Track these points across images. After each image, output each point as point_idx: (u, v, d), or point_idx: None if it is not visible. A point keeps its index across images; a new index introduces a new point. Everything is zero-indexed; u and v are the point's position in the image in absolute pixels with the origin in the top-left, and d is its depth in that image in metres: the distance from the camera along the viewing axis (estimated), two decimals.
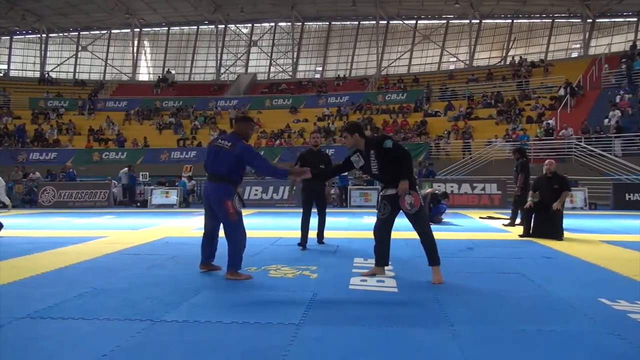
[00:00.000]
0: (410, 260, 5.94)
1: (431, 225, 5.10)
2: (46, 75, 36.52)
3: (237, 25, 37.84)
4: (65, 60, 38.93)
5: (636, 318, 3.49)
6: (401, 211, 4.74)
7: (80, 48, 38.96)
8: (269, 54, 38.13)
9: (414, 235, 7.67)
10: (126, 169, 19.44)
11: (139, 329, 3.27)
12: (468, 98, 26.84)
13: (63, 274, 5.16)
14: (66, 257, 6.16)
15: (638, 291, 4.28)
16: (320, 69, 37.58)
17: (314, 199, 7.19)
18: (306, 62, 38.16)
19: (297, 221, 7.17)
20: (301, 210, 7.22)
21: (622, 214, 13.35)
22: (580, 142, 19.72)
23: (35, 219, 12.70)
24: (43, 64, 37.57)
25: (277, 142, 24.90)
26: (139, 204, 17.59)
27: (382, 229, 4.84)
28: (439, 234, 8.52)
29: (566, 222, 8.16)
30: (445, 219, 10.87)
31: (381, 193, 4.95)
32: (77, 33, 38.81)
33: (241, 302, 4.00)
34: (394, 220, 4.89)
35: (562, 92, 24.44)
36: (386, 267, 5.35)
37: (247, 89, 34.13)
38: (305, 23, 37.11)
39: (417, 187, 4.77)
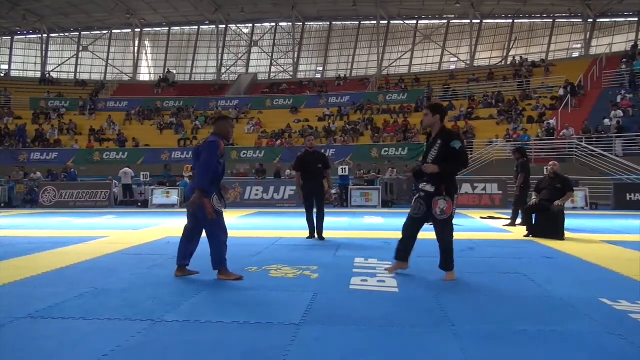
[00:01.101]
0: (411, 260, 5.93)
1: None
2: (47, 75, 36.53)
3: (238, 25, 37.85)
4: (66, 60, 38.97)
5: (637, 318, 3.49)
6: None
7: (81, 48, 38.99)
8: (270, 54, 38.15)
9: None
10: (126, 168, 19.43)
11: (139, 329, 3.27)
12: (469, 98, 26.83)
13: (64, 274, 5.17)
14: (67, 257, 6.16)
15: (639, 291, 4.28)
16: (321, 69, 37.59)
17: (313, 197, 7.78)
18: (307, 62, 38.17)
19: (298, 221, 7.23)
20: (301, 210, 7.45)
21: (623, 214, 13.34)
22: (581, 142, 19.70)
23: (36, 219, 12.71)
24: (44, 64, 37.60)
25: (278, 142, 24.91)
26: (139, 204, 17.60)
27: (412, 228, 4.86)
28: None
29: (567, 222, 8.16)
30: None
31: (420, 186, 4.84)
32: (78, 33, 38.84)
33: (242, 302, 4.00)
34: (424, 222, 4.86)
35: (562, 92, 24.44)
36: (387, 267, 5.36)
37: (247, 89, 34.15)
38: (306, 23, 37.12)
39: (455, 196, 4.75)
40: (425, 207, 4.71)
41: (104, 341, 3.03)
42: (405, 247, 4.91)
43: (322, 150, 23.08)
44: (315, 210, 7.85)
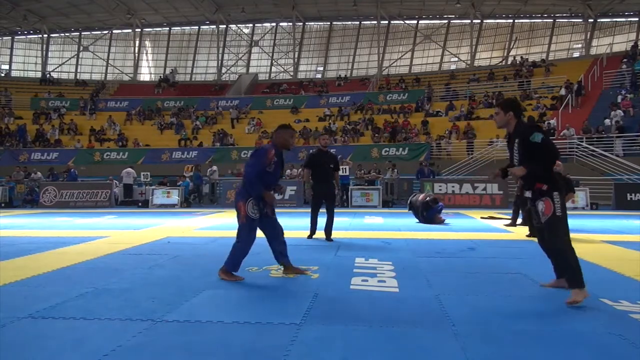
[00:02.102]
0: (411, 260, 5.94)
1: (435, 226, 5.05)
2: (47, 75, 36.58)
3: (238, 26, 37.87)
4: (67, 60, 39.01)
5: (638, 318, 3.49)
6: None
7: (81, 48, 39.03)
8: (270, 54, 38.15)
9: (415, 235, 7.62)
10: (129, 169, 19.43)
11: (140, 328, 3.28)
12: (469, 98, 26.83)
13: (64, 273, 5.17)
14: (67, 257, 6.17)
15: (639, 291, 4.28)
16: (322, 69, 37.60)
17: (323, 199, 7.72)
18: (307, 62, 38.17)
19: (298, 221, 7.22)
20: (301, 210, 7.40)
21: (623, 214, 13.33)
22: (582, 142, 19.70)
23: (36, 219, 12.71)
24: (44, 64, 37.64)
25: None
26: (140, 204, 17.61)
27: (549, 240, 4.03)
28: (440, 234, 8.54)
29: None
30: (446, 220, 10.86)
31: (525, 195, 4.28)
32: (78, 33, 38.88)
33: (242, 302, 4.00)
34: None
35: (563, 91, 24.43)
36: (387, 267, 5.35)
37: (248, 89, 34.16)
38: (307, 23, 37.14)
39: (554, 193, 3.94)
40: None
41: (104, 341, 3.03)
42: (577, 269, 3.89)
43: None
44: (324, 211, 7.75)
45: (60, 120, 28.95)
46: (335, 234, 7.97)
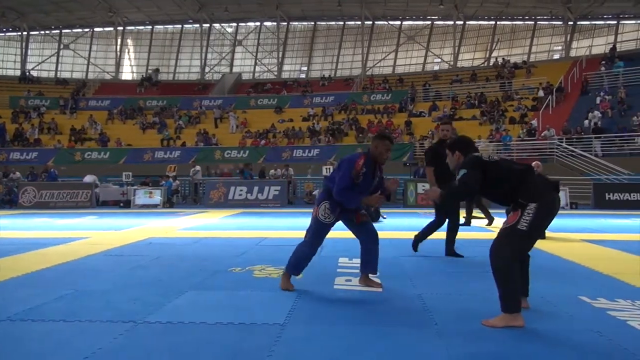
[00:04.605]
0: (394, 259, 5.97)
1: (419, 226, 5.07)
2: (27, 73, 35.95)
3: (222, 25, 37.65)
4: (47, 58, 38.36)
5: (615, 315, 3.56)
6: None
7: (62, 46, 38.42)
8: (254, 54, 38.02)
9: (399, 234, 7.68)
10: (93, 175, 19.01)
11: (121, 330, 3.24)
12: (452, 99, 27.07)
13: (44, 275, 5.09)
14: (47, 258, 6.07)
15: (617, 289, 4.37)
16: (306, 68, 37.57)
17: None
18: (291, 62, 38.11)
19: (282, 221, 7.16)
20: (285, 210, 7.20)
21: (602, 214, 13.57)
22: (562, 142, 20.01)
23: (15, 219, 12.49)
24: (24, 62, 36.98)
25: (262, 142, 24.84)
26: (122, 205, 17.40)
27: (491, 248, 3.56)
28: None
29: None
30: (430, 219, 10.92)
31: None
32: (58, 31, 38.26)
33: (226, 303, 3.98)
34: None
35: (541, 93, 24.83)
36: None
37: (231, 88, 33.99)
38: (291, 23, 37.08)
39: (534, 205, 3.35)
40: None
41: (84, 344, 2.99)
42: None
43: (306, 151, 23.41)
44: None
45: (40, 119, 28.46)
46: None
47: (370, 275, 4.54)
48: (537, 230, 3.45)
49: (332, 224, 4.39)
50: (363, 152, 4.36)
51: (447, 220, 6.23)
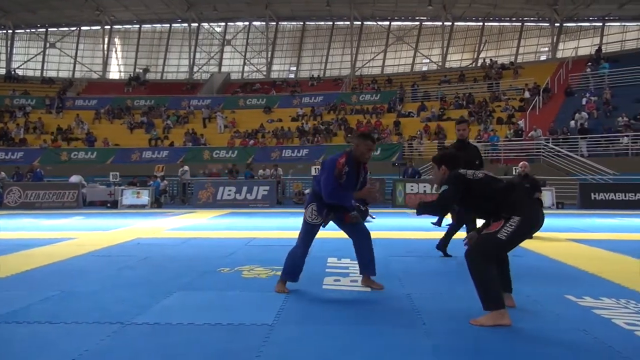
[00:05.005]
0: (383, 259, 5.98)
1: (408, 225, 5.08)
2: (12, 72, 35.49)
3: (211, 24, 37.48)
4: (33, 57, 37.92)
5: (600, 314, 3.60)
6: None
7: (48, 45, 37.99)
8: (243, 54, 37.90)
9: (387, 234, 7.71)
10: (78, 176, 18.79)
11: (109, 332, 3.21)
12: (440, 99, 27.21)
13: (29, 276, 5.03)
14: (33, 259, 6.00)
15: (602, 288, 4.42)
16: (295, 69, 37.54)
17: None
18: (280, 62, 38.06)
19: (271, 221, 7.14)
20: (275, 210, 7.18)
21: (588, 213, 13.73)
22: (549, 143, 20.21)
23: (0, 220, 12.32)
24: (9, 60, 36.53)
25: (251, 142, 24.77)
26: (109, 205, 17.25)
27: (468, 251, 3.66)
28: (412, 233, 8.63)
29: None
30: (419, 219, 10.98)
31: None
32: (44, 29, 37.82)
33: (214, 304, 3.96)
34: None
35: (527, 94, 25.07)
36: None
37: (220, 88, 33.85)
38: (280, 22, 37.02)
39: (518, 219, 3.42)
40: None
41: (70, 345, 2.96)
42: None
43: (295, 151, 23.39)
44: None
45: (25, 118, 28.12)
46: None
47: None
48: (516, 241, 3.52)
49: (321, 225, 4.40)
50: (345, 152, 4.34)
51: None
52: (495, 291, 3.43)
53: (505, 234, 3.40)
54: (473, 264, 3.48)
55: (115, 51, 38.78)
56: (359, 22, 35.50)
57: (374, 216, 11.62)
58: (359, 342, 3.04)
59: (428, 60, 35.58)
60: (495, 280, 3.47)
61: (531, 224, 3.49)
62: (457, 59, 35.17)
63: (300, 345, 2.99)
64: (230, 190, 17.41)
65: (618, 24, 31.74)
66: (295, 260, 4.38)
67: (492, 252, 3.50)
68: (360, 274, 4.60)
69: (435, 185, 3.79)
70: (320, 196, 4.29)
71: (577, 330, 3.25)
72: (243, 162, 21.83)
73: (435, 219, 9.74)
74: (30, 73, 36.84)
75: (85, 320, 3.44)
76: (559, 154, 19.58)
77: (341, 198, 4.25)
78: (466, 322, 3.42)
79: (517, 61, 31.81)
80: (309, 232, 4.38)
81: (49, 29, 37.83)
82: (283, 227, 9.53)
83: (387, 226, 10.00)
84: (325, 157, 21.96)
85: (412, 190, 16.53)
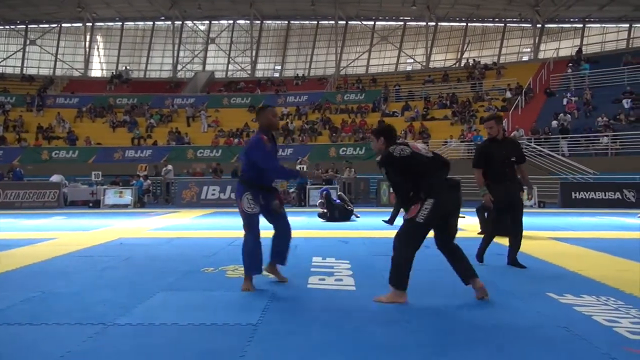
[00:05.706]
0: (368, 258, 6.01)
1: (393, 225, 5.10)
2: None
3: (195, 22, 37.21)
4: (12, 54, 37.22)
5: (581, 311, 3.66)
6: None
7: (28, 42, 37.33)
8: (227, 52, 37.69)
9: (372, 234, 7.76)
10: (60, 176, 18.49)
11: (90, 333, 3.17)
12: (424, 99, 27.39)
13: (9, 277, 4.94)
14: (13, 260, 5.90)
15: (583, 285, 4.49)
16: (279, 67, 37.46)
17: (507, 206, 5.68)
18: (265, 61, 37.94)
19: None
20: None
21: (568, 212, 13.93)
22: (531, 142, 20.48)
23: None
24: None
25: (236, 141, 24.65)
26: (91, 204, 17.04)
27: (396, 238, 4.01)
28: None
29: None
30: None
31: None
32: (24, 26, 37.16)
33: (198, 304, 3.94)
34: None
35: (508, 94, 25.37)
36: (344, 266, 5.40)
37: (204, 86, 33.63)
38: (264, 21, 36.90)
39: (431, 201, 3.82)
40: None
41: (52, 347, 2.92)
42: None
43: (280, 150, 23.35)
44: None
45: (5, 116, 27.62)
46: (292, 233, 7.92)
47: (277, 265, 4.69)
48: (433, 222, 3.85)
49: (260, 213, 4.48)
50: (258, 131, 4.51)
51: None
52: (404, 273, 3.85)
53: (423, 217, 3.79)
54: (395, 245, 3.90)
55: (98, 49, 38.29)
56: (344, 22, 35.55)
57: (358, 215, 11.67)
58: (342, 341, 3.05)
59: (412, 60, 35.78)
60: (409, 263, 3.87)
61: (444, 207, 3.84)
62: (441, 59, 35.43)
63: (285, 344, 2.99)
64: (214, 190, 17.32)
65: (598, 25, 32.27)
66: (250, 252, 4.41)
67: (413, 235, 3.87)
68: (270, 260, 4.66)
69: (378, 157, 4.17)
70: (251, 184, 4.41)
71: (559, 327, 3.30)
72: (227, 161, 21.71)
73: (387, 218, 9.97)
74: (9, 70, 36.17)
75: (67, 322, 3.40)
76: (541, 153, 19.84)
77: (286, 171, 4.53)
78: (449, 318, 3.46)
79: (500, 61, 32.15)
80: (251, 222, 4.44)
81: (29, 26, 37.19)
82: (267, 226, 9.48)
83: (371, 225, 10.03)
84: (311, 156, 21.93)
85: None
